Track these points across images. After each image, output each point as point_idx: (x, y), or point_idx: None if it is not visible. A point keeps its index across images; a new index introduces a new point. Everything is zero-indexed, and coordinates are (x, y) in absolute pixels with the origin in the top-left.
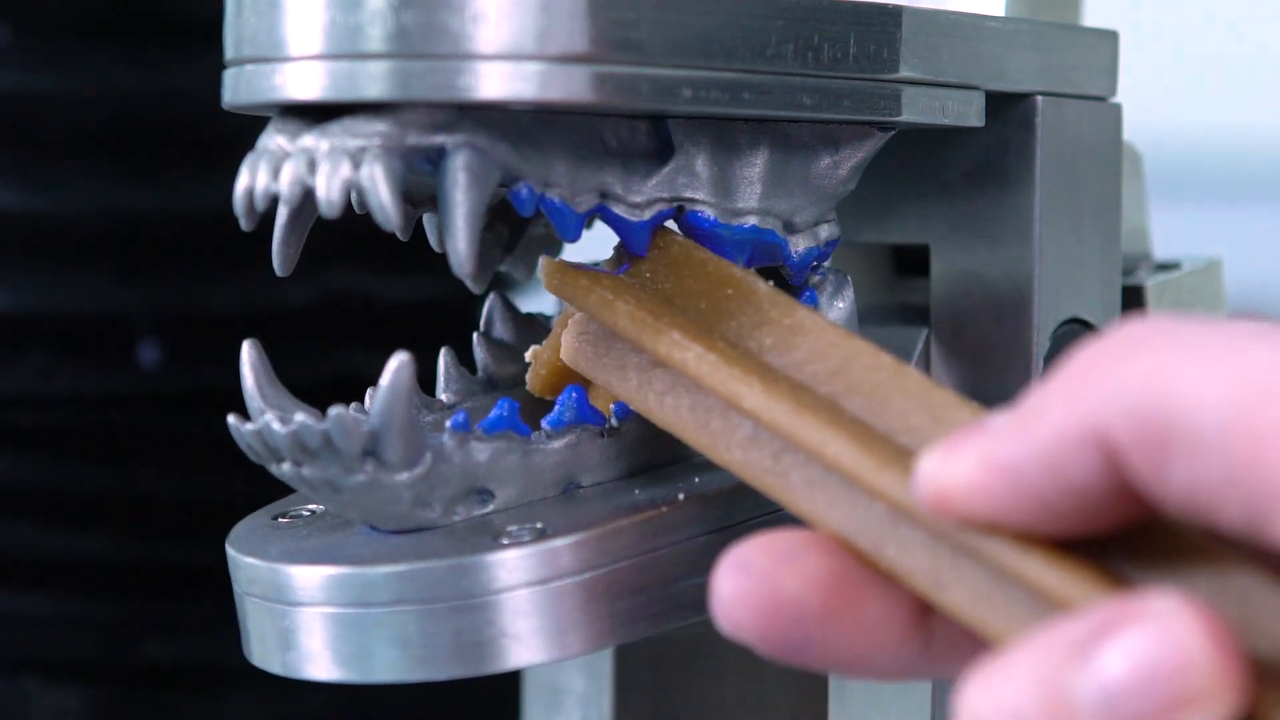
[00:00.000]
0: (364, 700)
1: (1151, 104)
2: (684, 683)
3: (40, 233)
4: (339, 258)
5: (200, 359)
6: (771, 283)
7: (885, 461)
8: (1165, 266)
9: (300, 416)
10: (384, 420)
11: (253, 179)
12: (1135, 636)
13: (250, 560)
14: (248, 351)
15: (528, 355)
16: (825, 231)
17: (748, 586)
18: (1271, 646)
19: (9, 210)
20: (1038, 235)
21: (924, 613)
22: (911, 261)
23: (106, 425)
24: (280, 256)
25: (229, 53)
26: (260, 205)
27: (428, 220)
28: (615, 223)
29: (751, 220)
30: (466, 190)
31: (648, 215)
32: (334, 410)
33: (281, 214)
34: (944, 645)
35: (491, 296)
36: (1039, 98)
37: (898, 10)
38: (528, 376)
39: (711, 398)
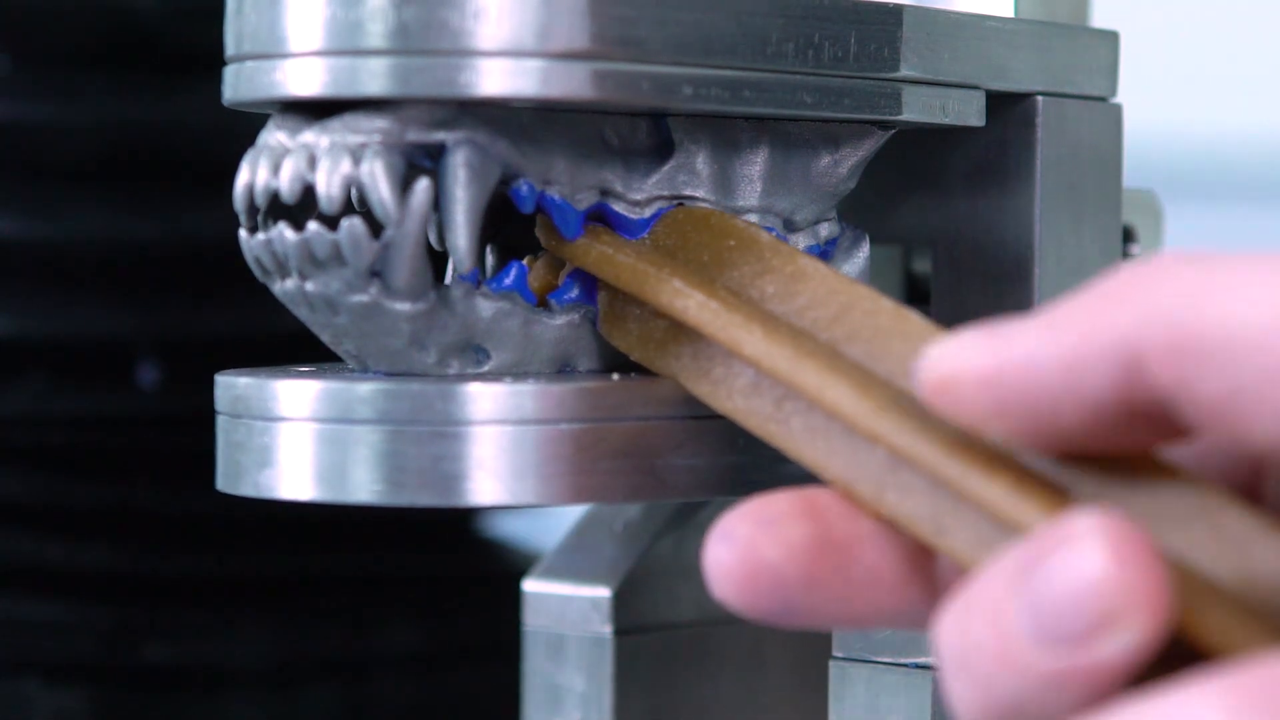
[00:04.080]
0: (364, 701)
1: (1154, 104)
2: (684, 682)
3: (40, 259)
4: None
5: (198, 381)
6: (774, 231)
7: (884, 406)
8: None
9: (313, 225)
10: (396, 239)
11: (253, 175)
12: (1057, 560)
13: (240, 379)
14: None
15: (525, 260)
16: (825, 230)
17: (729, 557)
18: (1259, 586)
19: (9, 237)
20: (1038, 235)
21: (922, 564)
22: (923, 293)
23: (106, 446)
24: None
25: (229, 49)
26: (260, 201)
27: None
28: (615, 220)
29: (752, 218)
30: (467, 187)
31: (648, 213)
32: (347, 220)
33: None
34: (950, 590)
35: None
36: (1040, 98)
37: (898, 9)
38: None
39: (713, 346)
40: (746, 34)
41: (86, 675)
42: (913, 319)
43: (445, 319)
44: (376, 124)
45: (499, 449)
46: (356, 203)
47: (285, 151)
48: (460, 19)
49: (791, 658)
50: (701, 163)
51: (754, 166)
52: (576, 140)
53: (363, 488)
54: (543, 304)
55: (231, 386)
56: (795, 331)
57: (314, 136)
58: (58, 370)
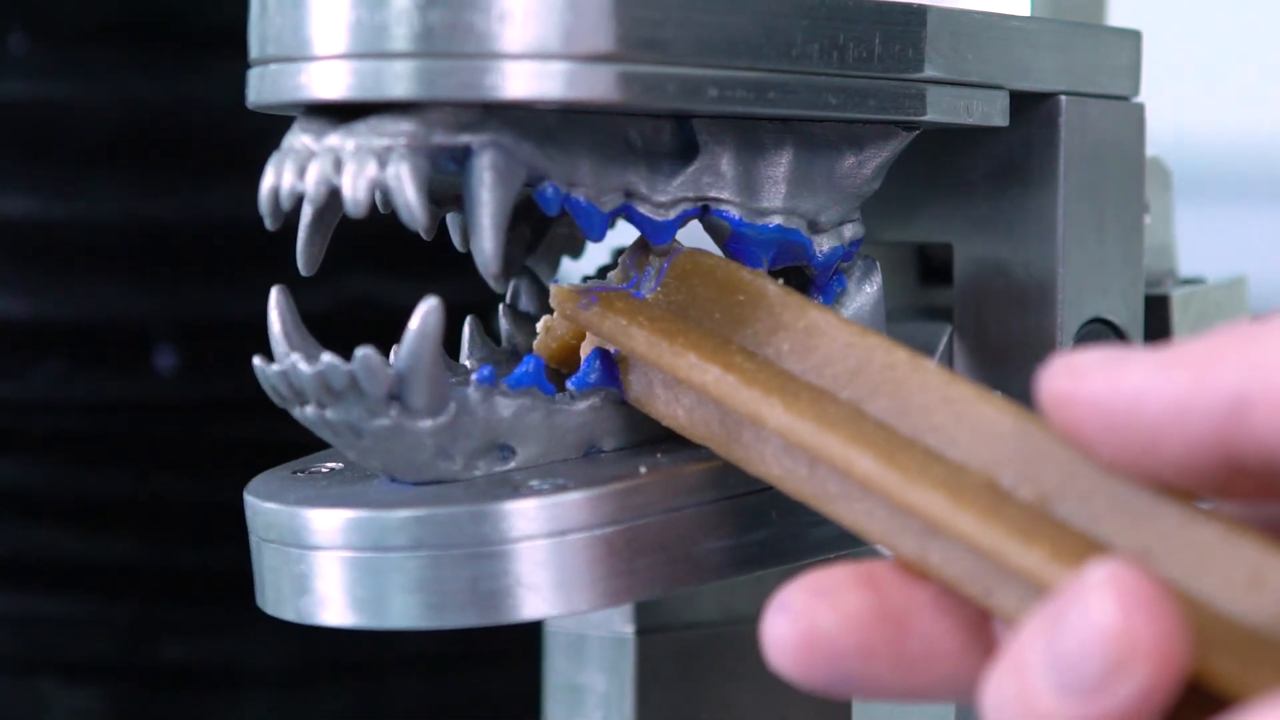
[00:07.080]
0: (382, 701)
1: (1175, 104)
2: (705, 683)
3: (57, 240)
4: (357, 264)
5: (217, 365)
6: (781, 280)
7: (912, 475)
8: (1190, 282)
9: (327, 357)
10: (411, 363)
11: (278, 178)
12: (1072, 613)
13: (269, 505)
14: (275, 296)
15: (540, 324)
16: (850, 231)
17: (786, 627)
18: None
19: (26, 217)
20: (1061, 235)
21: (980, 634)
22: (937, 269)
23: (124, 431)
24: (304, 256)
25: (254, 52)
26: (286, 205)
27: (451, 220)
28: (640, 222)
29: (776, 220)
30: (492, 190)
31: (673, 214)
32: (361, 351)
33: (306, 214)
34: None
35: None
36: (1062, 97)
37: (922, 10)
38: (535, 344)
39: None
40: (771, 36)
41: (103, 673)
42: (929, 368)
43: (468, 426)
44: (402, 127)
45: (535, 564)
46: (382, 205)
47: (310, 155)
48: (486, 22)
49: None
50: (726, 164)
51: (778, 168)
52: (601, 142)
53: (403, 613)
54: (560, 382)
55: (260, 511)
56: (816, 395)
57: (339, 140)
58: (76, 355)
